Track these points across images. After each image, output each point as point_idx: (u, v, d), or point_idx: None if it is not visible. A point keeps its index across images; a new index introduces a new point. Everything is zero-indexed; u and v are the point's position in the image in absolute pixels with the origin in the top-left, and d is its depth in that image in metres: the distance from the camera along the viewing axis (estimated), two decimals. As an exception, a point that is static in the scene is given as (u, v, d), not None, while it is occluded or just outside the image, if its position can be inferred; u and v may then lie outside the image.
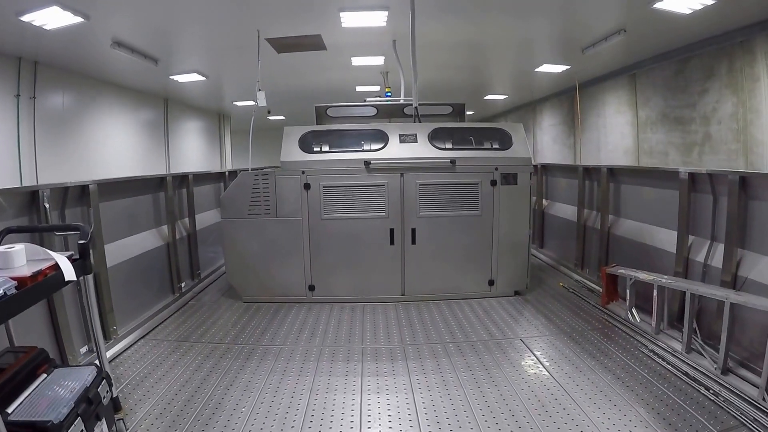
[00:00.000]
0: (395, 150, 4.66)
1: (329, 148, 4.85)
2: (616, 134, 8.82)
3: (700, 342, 3.27)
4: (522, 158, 4.67)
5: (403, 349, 3.62)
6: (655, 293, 3.60)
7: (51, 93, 8.46)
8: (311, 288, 4.71)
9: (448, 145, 4.83)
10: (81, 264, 2.24)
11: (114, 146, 10.42)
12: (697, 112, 6.39)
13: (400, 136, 4.74)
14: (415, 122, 5.22)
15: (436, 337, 3.81)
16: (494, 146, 4.87)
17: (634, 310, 3.92)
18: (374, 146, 4.79)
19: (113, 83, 10.13)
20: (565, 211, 5.96)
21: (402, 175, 4.58)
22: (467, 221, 4.62)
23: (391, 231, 4.61)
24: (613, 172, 4.87)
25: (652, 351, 3.40)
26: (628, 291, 3.94)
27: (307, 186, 4.59)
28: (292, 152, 4.70)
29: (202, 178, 5.94)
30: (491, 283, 4.71)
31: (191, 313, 4.52)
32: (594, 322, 4.03)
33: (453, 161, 4.55)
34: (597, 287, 4.79)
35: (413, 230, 4.60)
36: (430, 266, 4.67)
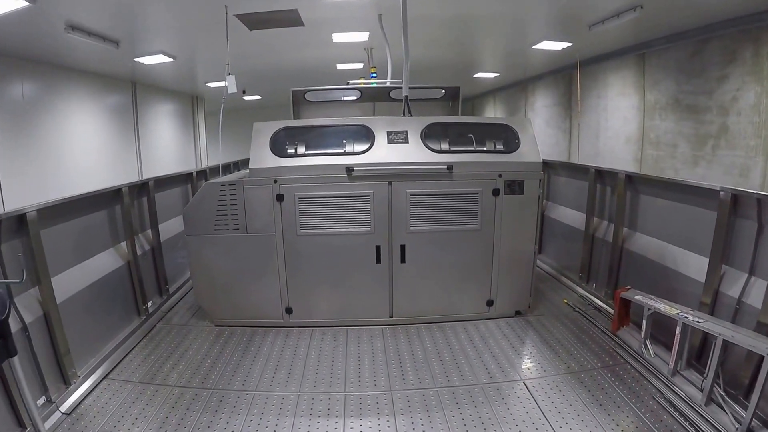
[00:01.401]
0: (383, 152, 4.05)
1: (306, 150, 4.22)
2: (618, 119, 8.13)
3: (722, 393, 2.88)
4: (531, 163, 4.07)
5: (391, 398, 3.15)
6: (678, 331, 3.18)
7: (9, 84, 7.70)
8: (288, 311, 4.20)
9: (444, 146, 4.25)
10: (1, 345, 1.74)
11: (80, 135, 9.67)
12: (714, 100, 5.78)
13: (389, 134, 4.11)
14: (405, 115, 4.61)
15: (429, 380, 3.34)
16: (498, 147, 4.28)
17: (648, 342, 3.53)
18: (358, 147, 4.17)
19: (76, 69, 9.28)
20: (570, 216, 5.44)
21: (390, 183, 3.99)
22: (464, 236, 4.09)
23: (378, 248, 4.06)
24: (632, 179, 4.33)
25: (668, 400, 2.99)
26: (644, 322, 3.52)
27: (280, 197, 4.00)
28: (262, 156, 4.07)
29: (165, 182, 5.29)
30: (490, 303, 4.24)
31: (159, 341, 4.02)
32: (603, 355, 3.60)
33: (450, 167, 3.96)
34: (605, 306, 4.38)
35: (402, 247, 4.07)
36: (421, 286, 4.17)
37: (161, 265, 4.83)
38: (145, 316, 4.32)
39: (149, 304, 4.48)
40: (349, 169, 3.95)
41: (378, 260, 4.08)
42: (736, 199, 3.17)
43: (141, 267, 4.38)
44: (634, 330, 3.81)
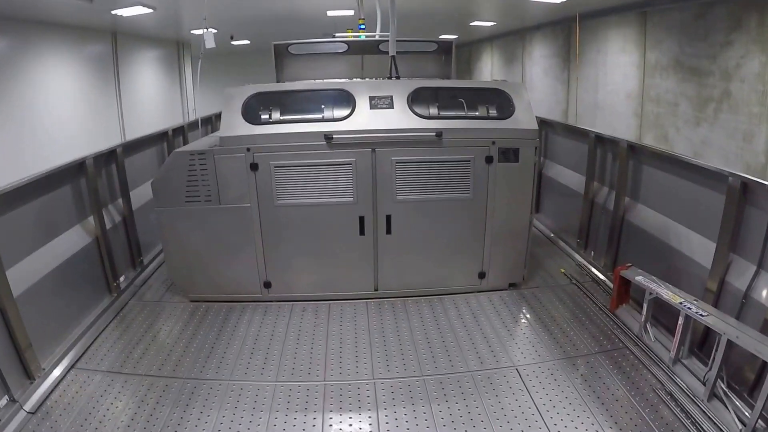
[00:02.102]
0: (365, 118, 3.58)
1: (281, 116, 3.74)
2: (618, 75, 7.55)
3: (725, 389, 2.61)
4: (526, 130, 3.63)
5: (374, 388, 2.88)
6: (680, 321, 2.91)
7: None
8: (267, 285, 3.88)
9: (433, 111, 3.76)
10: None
11: (57, 94, 8.85)
12: (717, 65, 5.32)
13: (371, 99, 3.63)
14: (391, 77, 4.09)
15: (415, 366, 3.07)
16: (491, 113, 3.80)
17: (648, 326, 3.29)
18: (338, 113, 3.68)
19: (53, 23, 8.46)
20: (568, 178, 5.01)
21: (374, 150, 3.55)
22: (455, 206, 3.71)
23: (361, 219, 3.68)
24: (635, 149, 3.89)
25: (669, 393, 2.73)
26: (645, 305, 3.22)
27: (254, 167, 3.57)
28: (234, 124, 3.60)
29: (136, 146, 4.76)
30: (482, 275, 3.92)
31: (130, 320, 3.70)
32: (601, 338, 3.31)
33: (439, 134, 3.52)
34: (603, 278, 4.06)
35: (388, 217, 3.69)
36: (408, 258, 3.84)
37: (134, 236, 4.44)
38: (116, 294, 3.98)
39: (121, 279, 4.13)
40: (327, 136, 3.50)
41: (362, 231, 3.71)
42: (746, 186, 2.78)
43: (111, 241, 3.99)
44: (634, 310, 3.53)
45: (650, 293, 3.15)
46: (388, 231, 3.73)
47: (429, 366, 3.10)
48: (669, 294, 3.00)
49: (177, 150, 3.73)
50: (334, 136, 3.50)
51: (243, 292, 3.93)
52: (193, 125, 6.16)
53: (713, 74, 5.52)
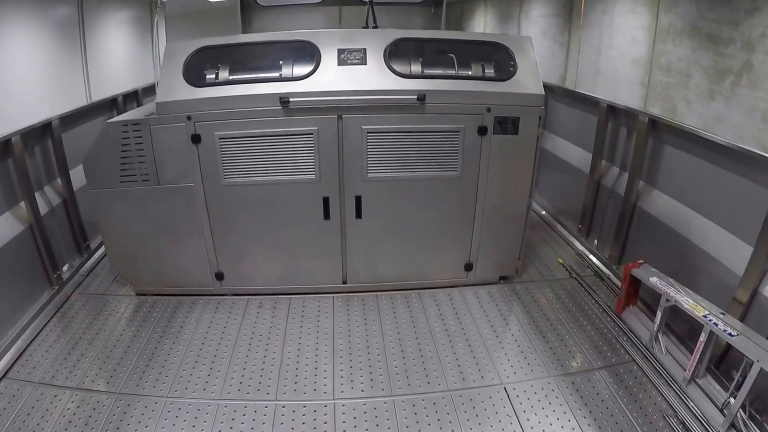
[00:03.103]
0: (330, 77, 2.89)
1: (230, 75, 3.03)
2: (625, 38, 6.74)
3: (746, 419, 2.17)
4: (530, 95, 2.96)
5: (333, 411, 2.37)
6: (702, 338, 2.39)
7: None
8: (219, 276, 3.30)
9: (416, 69, 3.05)
10: None
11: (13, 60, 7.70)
12: (740, 33, 4.57)
13: (340, 53, 2.92)
14: (367, 27, 3.39)
15: (384, 383, 2.56)
16: (487, 72, 3.12)
17: (660, 336, 2.84)
18: (299, 70, 2.99)
19: None
20: (571, 154, 4.39)
21: (340, 117, 2.89)
22: (439, 186, 3.11)
23: (326, 200, 3.07)
24: (657, 125, 3.23)
25: (682, 422, 2.29)
26: (659, 313, 2.71)
27: (196, 138, 2.91)
28: (172, 87, 2.90)
29: (78, 117, 4.00)
30: (469, 267, 3.37)
31: (71, 318, 3.18)
32: (605, 348, 2.82)
33: (421, 97, 2.85)
34: (607, 272, 3.55)
35: (358, 199, 3.09)
36: (382, 246, 3.26)
37: (77, 219, 3.80)
38: (58, 286, 3.40)
39: (64, 268, 3.55)
40: (283, 99, 2.81)
41: (326, 215, 3.11)
42: None
43: (50, 227, 3.38)
44: (643, 313, 3.02)
45: (667, 300, 2.68)
46: (358, 215, 3.13)
47: (401, 383, 2.57)
48: (690, 303, 2.53)
49: (109, 120, 3.06)
50: (291, 99, 2.82)
51: (193, 285, 3.36)
52: (149, 90, 5.37)
53: (734, 43, 4.82)
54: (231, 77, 3.03)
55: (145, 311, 3.26)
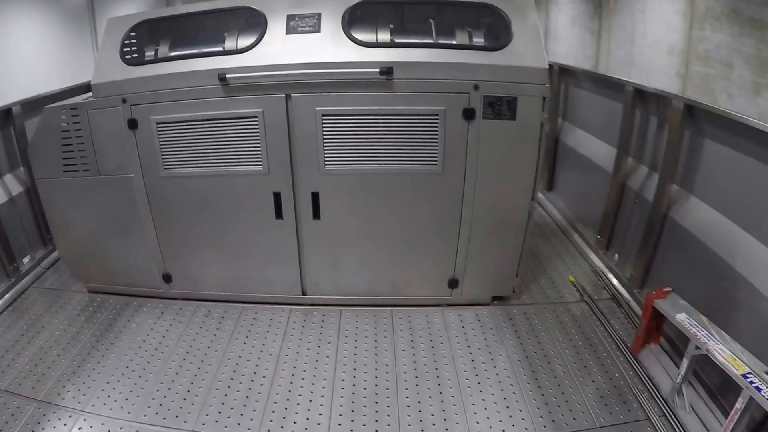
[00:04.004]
0: (276, 48, 2.36)
1: (169, 51, 2.59)
2: (660, 24, 5.82)
3: None
4: (528, 69, 2.32)
5: None
6: (740, 404, 1.74)
7: None
8: (167, 278, 2.90)
9: (384, 37, 2.45)
10: None
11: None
12: None
13: (290, 20, 2.39)
14: None
15: (320, 425, 2.04)
16: (475, 40, 2.49)
17: (684, 388, 2.16)
18: (243, 42, 2.48)
19: None
20: (593, 149, 3.66)
21: (288, 97, 2.37)
22: (414, 182, 2.52)
23: (277, 196, 2.57)
24: (695, 112, 2.51)
25: None
26: (685, 361, 2.04)
27: (132, 123, 2.50)
28: (108, 66, 2.51)
29: (44, 103, 3.73)
30: (453, 283, 2.77)
31: (21, 313, 2.95)
32: (614, 399, 2.16)
33: (386, 70, 2.27)
34: (627, 296, 2.88)
35: (314, 195, 2.56)
36: (347, 254, 2.73)
37: (40, 209, 3.49)
38: (15, 278, 3.14)
39: (25, 260, 3.29)
40: (221, 76, 2.33)
41: (278, 214, 2.60)
42: None
43: (7, 217, 3.12)
44: (665, 355, 2.35)
45: (697, 347, 2.02)
46: (316, 214, 2.61)
47: (343, 427, 2.03)
48: (727, 355, 1.85)
49: (49, 105, 2.73)
50: (229, 76, 2.33)
51: (141, 286, 2.98)
52: None
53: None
54: (170, 54, 2.60)
55: (91, 311, 2.93)
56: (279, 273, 2.81)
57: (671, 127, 2.61)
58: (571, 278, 3.15)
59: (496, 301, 2.90)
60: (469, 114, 2.37)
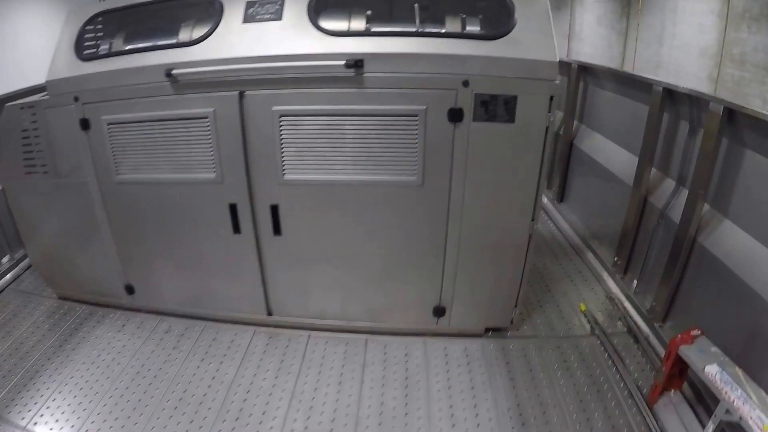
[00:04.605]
0: (231, 39, 2.03)
1: (123, 46, 2.32)
2: (691, 25, 5.19)
3: None
4: (534, 62, 1.91)
5: None
6: None
7: None
8: (129, 290, 2.66)
9: (357, 25, 2.07)
10: None
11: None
12: None
13: (249, 6, 2.06)
14: None
15: None
16: (470, 28, 2.08)
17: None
18: (197, 33, 2.16)
19: None
20: (613, 157, 3.17)
21: (242, 95, 2.05)
22: (390, 195, 2.15)
23: (233, 208, 2.26)
24: (735, 117, 2.03)
25: None
26: (711, 425, 1.62)
27: (85, 123, 2.25)
28: (62, 61, 2.28)
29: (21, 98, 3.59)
30: (439, 311, 2.39)
31: None
32: None
33: (353, 63, 1.91)
34: (645, 329, 2.43)
35: (274, 209, 2.23)
36: (314, 274, 2.38)
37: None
38: None
39: (4, 260, 3.17)
40: (167, 72, 2.03)
41: (236, 228, 2.28)
42: None
43: None
44: (686, 405, 1.91)
45: (727, 410, 1.58)
46: (276, 230, 2.27)
47: None
48: (765, 427, 1.43)
49: (9, 103, 2.56)
50: (175, 71, 2.01)
51: (107, 295, 2.76)
52: None
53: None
54: (126, 47, 2.34)
55: (56, 319, 2.75)
56: (242, 291, 2.50)
57: (706, 134, 2.14)
58: (582, 306, 2.70)
59: (490, 332, 2.50)
60: (455, 115, 1.99)
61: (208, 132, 2.12)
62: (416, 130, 2.01)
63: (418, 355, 2.35)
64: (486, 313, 2.43)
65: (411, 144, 2.04)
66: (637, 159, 2.73)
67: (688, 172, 2.36)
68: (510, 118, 1.99)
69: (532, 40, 1.94)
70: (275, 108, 2.03)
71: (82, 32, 2.33)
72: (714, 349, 1.80)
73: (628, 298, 2.70)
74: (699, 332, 1.88)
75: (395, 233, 2.23)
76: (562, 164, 3.80)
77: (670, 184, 2.54)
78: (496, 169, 2.09)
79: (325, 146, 2.08)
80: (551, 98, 1.94)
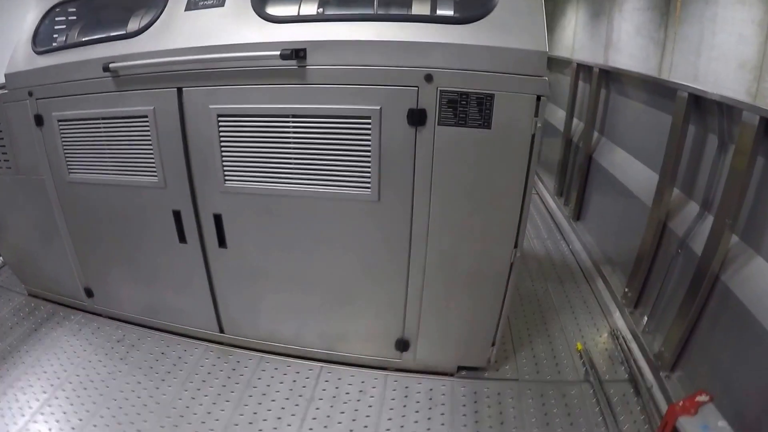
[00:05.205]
0: (171, 30, 1.80)
1: (76, 38, 2.15)
2: (731, 35, 4.58)
3: None
4: (514, 51, 1.54)
5: None
6: None
7: None
8: (89, 293, 2.52)
9: (308, 10, 1.78)
10: None
11: None
12: None
13: None
14: None
15: None
16: (441, 11, 1.72)
17: None
18: (143, 23, 1.95)
19: None
20: (631, 173, 2.72)
21: (180, 91, 1.82)
22: (342, 211, 1.84)
23: (177, 215, 2.04)
24: None
25: None
26: None
27: (38, 119, 2.12)
28: (20, 55, 2.15)
29: None
30: (403, 345, 2.06)
31: None
32: None
33: (297, 53, 1.62)
34: (650, 377, 1.98)
35: (217, 218, 1.98)
36: (264, 293, 2.12)
37: None
38: None
39: None
40: (105, 66, 1.83)
41: (181, 237, 2.06)
42: None
43: None
44: None
45: None
46: (221, 242, 2.03)
47: None
48: None
49: None
50: (113, 65, 1.81)
51: (69, 296, 2.64)
52: None
53: None
54: (80, 39, 2.18)
55: (21, 317, 2.66)
56: (193, 304, 2.28)
57: (737, 150, 1.70)
58: (579, 345, 2.29)
59: (464, 372, 2.14)
60: (416, 117, 1.65)
61: (149, 132, 1.90)
62: (369, 135, 1.70)
63: (375, 394, 2.03)
64: (458, 350, 2.08)
65: (363, 152, 1.73)
66: (657, 177, 2.28)
67: (714, 196, 1.91)
68: (485, 122, 1.63)
69: (515, 25, 1.57)
70: (212, 107, 1.78)
71: (40, 24, 2.18)
72: (722, 423, 1.39)
73: (635, 337, 2.26)
74: (707, 398, 1.47)
75: (350, 255, 1.93)
76: (580, 179, 3.35)
77: (693, 208, 2.08)
78: (469, 185, 1.74)
79: (267, 152, 1.81)
80: (539, 99, 1.58)
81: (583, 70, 3.58)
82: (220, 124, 1.79)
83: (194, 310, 2.28)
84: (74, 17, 2.26)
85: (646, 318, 2.28)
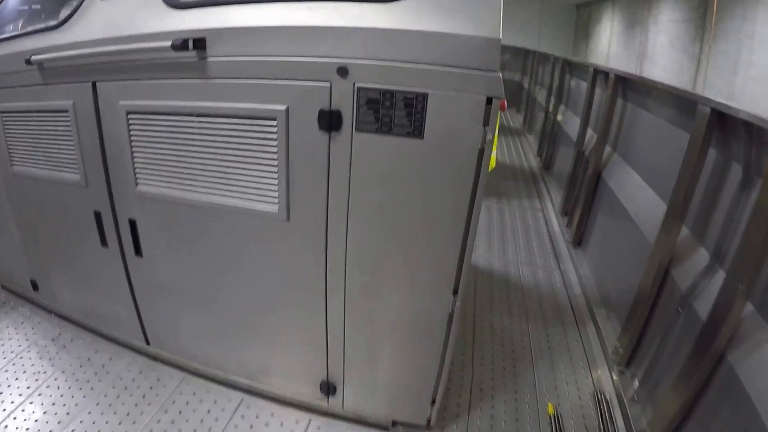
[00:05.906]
0: (88, 20, 1.64)
1: (20, 29, 2.06)
2: None
3: None
4: (456, 36, 1.18)
5: None
6: None
7: None
8: (34, 285, 2.44)
9: None
10: None
11: None
12: None
13: None
14: None
15: None
16: None
17: None
18: (65, 14, 1.83)
19: None
20: (640, 202, 2.23)
21: (95, 86, 1.65)
22: (252, 228, 1.57)
23: (98, 217, 1.87)
24: None
25: None
26: None
27: None
28: None
29: None
30: (328, 389, 1.76)
31: None
32: None
33: (195, 43, 1.37)
34: None
35: (132, 223, 1.78)
36: (182, 310, 1.90)
37: None
38: None
39: None
40: (26, 59, 1.71)
41: (103, 241, 1.90)
42: None
43: None
44: None
45: None
46: (137, 250, 1.84)
47: None
48: None
49: None
50: (32, 58, 1.68)
51: (18, 286, 2.60)
52: None
53: None
54: (7, 32, 2.14)
55: None
56: (120, 311, 2.12)
57: (765, 187, 1.24)
58: (551, 408, 1.85)
59: (401, 427, 1.79)
60: (329, 120, 1.34)
61: (69, 128, 1.77)
62: (274, 139, 1.42)
63: (291, 440, 1.73)
64: (392, 403, 1.74)
65: (267, 160, 1.45)
66: (665, 207, 1.80)
67: (729, 247, 1.43)
68: (415, 130, 1.30)
69: (458, 4, 1.22)
70: (122, 103, 1.60)
71: None
72: None
73: (620, 405, 1.79)
74: None
75: (264, 280, 1.65)
76: (586, 199, 2.85)
77: (702, 256, 1.59)
78: (394, 210, 1.40)
79: (176, 155, 1.59)
80: (489, 101, 1.22)
81: (600, 75, 3.08)
82: (130, 121, 1.60)
83: (121, 318, 2.13)
84: (17, 9, 2.21)
85: (637, 382, 1.80)
